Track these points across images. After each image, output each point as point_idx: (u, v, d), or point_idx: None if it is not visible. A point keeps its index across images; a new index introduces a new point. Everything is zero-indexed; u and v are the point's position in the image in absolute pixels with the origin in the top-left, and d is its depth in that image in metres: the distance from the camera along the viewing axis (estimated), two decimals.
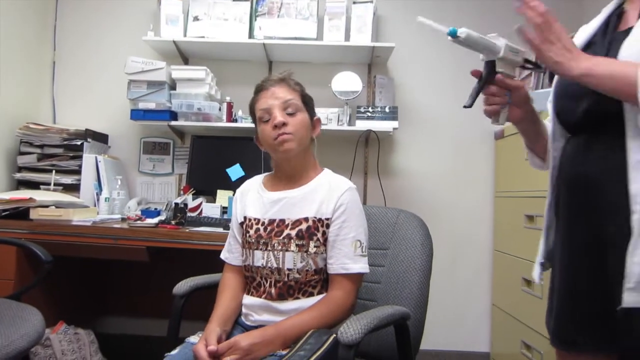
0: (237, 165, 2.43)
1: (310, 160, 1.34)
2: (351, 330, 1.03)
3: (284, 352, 1.11)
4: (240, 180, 2.34)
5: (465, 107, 1.00)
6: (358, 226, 1.25)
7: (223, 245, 1.82)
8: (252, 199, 1.36)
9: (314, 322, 1.15)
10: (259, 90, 1.32)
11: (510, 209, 2.37)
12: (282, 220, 1.27)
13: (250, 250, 1.30)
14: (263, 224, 1.29)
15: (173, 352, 1.18)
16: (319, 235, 1.23)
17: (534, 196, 2.09)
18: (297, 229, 1.24)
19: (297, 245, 1.23)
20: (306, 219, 1.25)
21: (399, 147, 2.68)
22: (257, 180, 1.41)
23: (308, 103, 1.34)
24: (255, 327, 1.26)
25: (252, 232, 1.30)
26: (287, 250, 1.23)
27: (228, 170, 2.42)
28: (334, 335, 1.09)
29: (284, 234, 1.25)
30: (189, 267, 2.09)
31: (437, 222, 2.60)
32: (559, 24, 0.85)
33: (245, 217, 1.35)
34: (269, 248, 1.26)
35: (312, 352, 1.04)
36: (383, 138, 2.58)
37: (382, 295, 1.43)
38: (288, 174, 1.32)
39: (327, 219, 1.24)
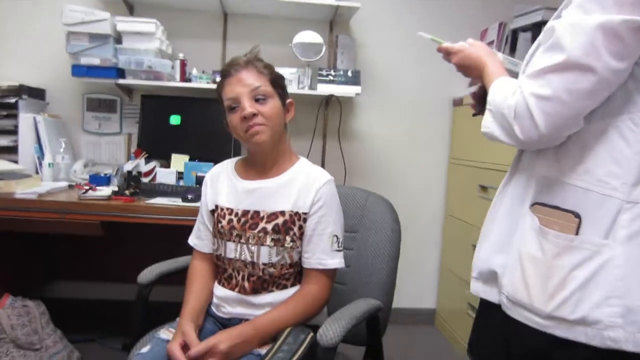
0: (177, 117, 2.33)
1: (284, 148, 1.29)
2: (330, 333, 1.05)
3: (261, 350, 1.11)
4: (176, 129, 2.25)
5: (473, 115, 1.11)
6: (335, 220, 1.23)
7: (183, 220, 1.79)
8: (224, 185, 1.30)
9: (291, 319, 1.16)
10: (225, 75, 1.22)
11: (463, 177, 2.45)
12: (257, 212, 1.23)
13: (223, 241, 1.26)
14: (236, 214, 1.25)
15: (144, 350, 1.15)
16: (296, 229, 1.21)
17: (488, 168, 2.16)
18: (273, 222, 1.21)
19: (272, 239, 1.20)
20: (282, 213, 1.21)
21: (359, 110, 2.65)
22: (229, 165, 1.34)
23: (278, 85, 1.25)
24: (228, 319, 1.25)
25: (224, 222, 1.25)
26: (262, 245, 1.21)
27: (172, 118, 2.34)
28: (311, 334, 1.10)
29: (259, 227, 1.21)
30: (146, 233, 2.03)
31: (393, 185, 2.66)
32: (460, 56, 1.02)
33: (217, 206, 1.29)
34: (243, 241, 1.22)
35: (292, 354, 1.05)
36: (344, 101, 2.53)
37: (351, 279, 1.45)
38: (262, 162, 1.27)
39: (305, 213, 1.21)
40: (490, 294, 0.92)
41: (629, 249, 0.73)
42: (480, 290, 0.95)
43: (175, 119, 2.34)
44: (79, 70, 2.16)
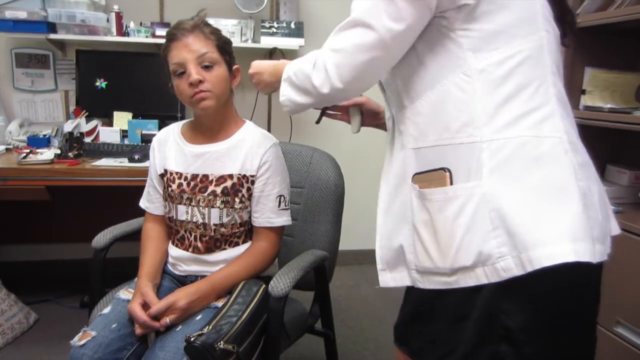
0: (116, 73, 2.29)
1: (230, 112, 1.32)
2: (280, 284, 1.16)
3: (217, 303, 1.21)
4: (116, 85, 2.21)
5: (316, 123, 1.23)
6: (281, 182, 1.31)
7: (131, 181, 1.81)
8: (172, 150, 1.33)
9: (244, 273, 1.25)
10: (171, 39, 1.22)
11: None
12: (206, 176, 1.28)
13: (173, 204, 1.31)
14: (186, 178, 1.29)
15: (105, 311, 1.21)
16: (244, 191, 1.28)
17: None
18: (221, 186, 1.27)
19: (222, 201, 1.26)
20: (230, 176, 1.27)
21: None
22: (175, 129, 1.37)
23: (225, 52, 1.27)
24: (184, 276, 1.33)
25: (174, 186, 1.30)
26: (212, 207, 1.27)
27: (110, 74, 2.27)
28: (263, 286, 1.20)
29: (209, 190, 1.27)
30: (94, 194, 2.02)
31: (340, 134, 2.75)
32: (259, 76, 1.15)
33: (165, 170, 1.33)
34: (193, 203, 1.28)
35: (246, 305, 1.15)
36: (288, 54, 2.53)
37: (299, 232, 1.56)
38: (208, 127, 1.30)
39: (252, 176, 1.28)
40: (402, 279, 0.92)
41: (493, 180, 0.79)
42: (390, 280, 0.94)
43: (114, 75, 2.27)
44: (4, 25, 2.03)
